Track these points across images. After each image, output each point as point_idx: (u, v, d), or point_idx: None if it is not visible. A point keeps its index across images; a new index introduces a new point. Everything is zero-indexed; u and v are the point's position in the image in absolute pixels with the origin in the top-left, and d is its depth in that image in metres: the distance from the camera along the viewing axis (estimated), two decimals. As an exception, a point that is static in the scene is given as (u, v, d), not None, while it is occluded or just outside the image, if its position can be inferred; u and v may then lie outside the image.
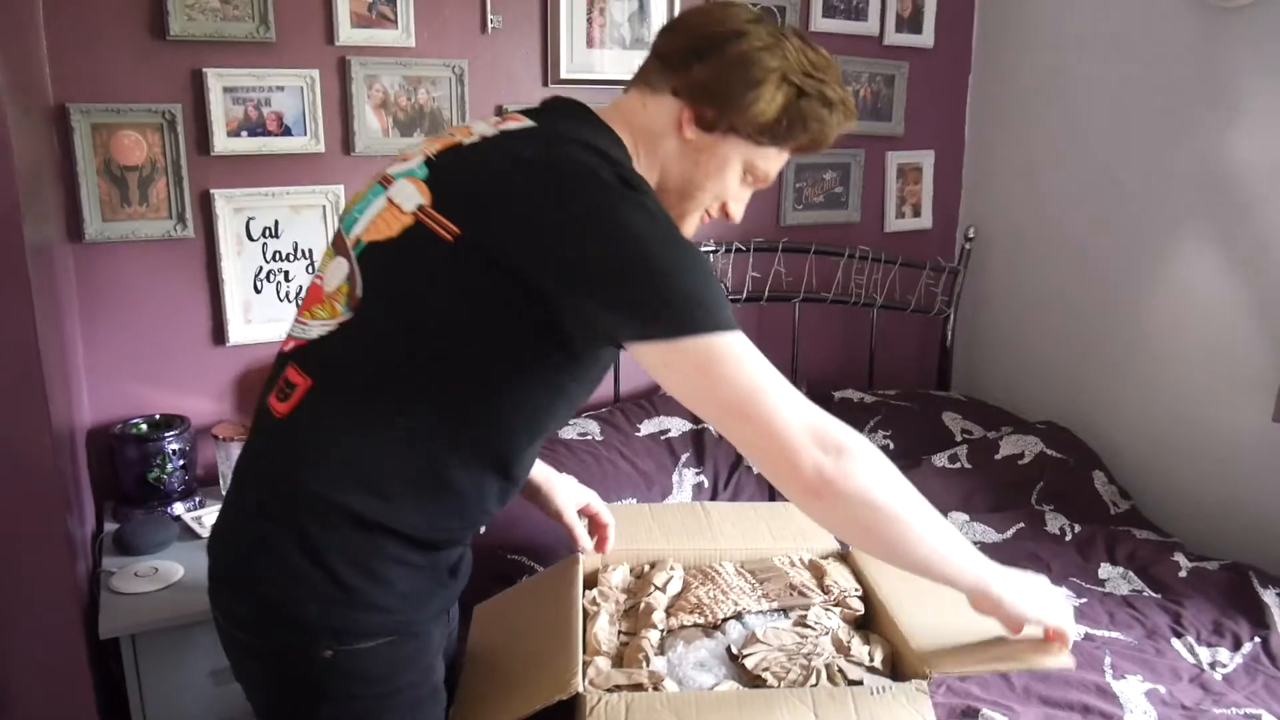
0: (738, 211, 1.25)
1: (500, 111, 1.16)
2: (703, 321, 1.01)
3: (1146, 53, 2.40)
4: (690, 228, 1.24)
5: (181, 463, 2.01)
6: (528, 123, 1.14)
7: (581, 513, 1.52)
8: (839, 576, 1.53)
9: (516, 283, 1.03)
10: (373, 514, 1.08)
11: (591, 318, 1.04)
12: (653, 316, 1.01)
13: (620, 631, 1.41)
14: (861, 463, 1.05)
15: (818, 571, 1.55)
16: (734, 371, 1.02)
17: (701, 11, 1.20)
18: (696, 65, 1.15)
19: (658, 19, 2.43)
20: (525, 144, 1.10)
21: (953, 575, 1.15)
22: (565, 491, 1.50)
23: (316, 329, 1.13)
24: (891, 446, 2.46)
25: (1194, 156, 2.31)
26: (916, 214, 2.97)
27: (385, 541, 1.10)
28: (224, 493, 2.05)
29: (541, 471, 1.49)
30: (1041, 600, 1.22)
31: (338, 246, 1.17)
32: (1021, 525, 2.21)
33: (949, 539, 1.14)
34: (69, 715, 1.59)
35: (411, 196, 1.09)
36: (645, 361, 1.05)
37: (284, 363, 1.16)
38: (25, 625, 1.51)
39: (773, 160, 1.21)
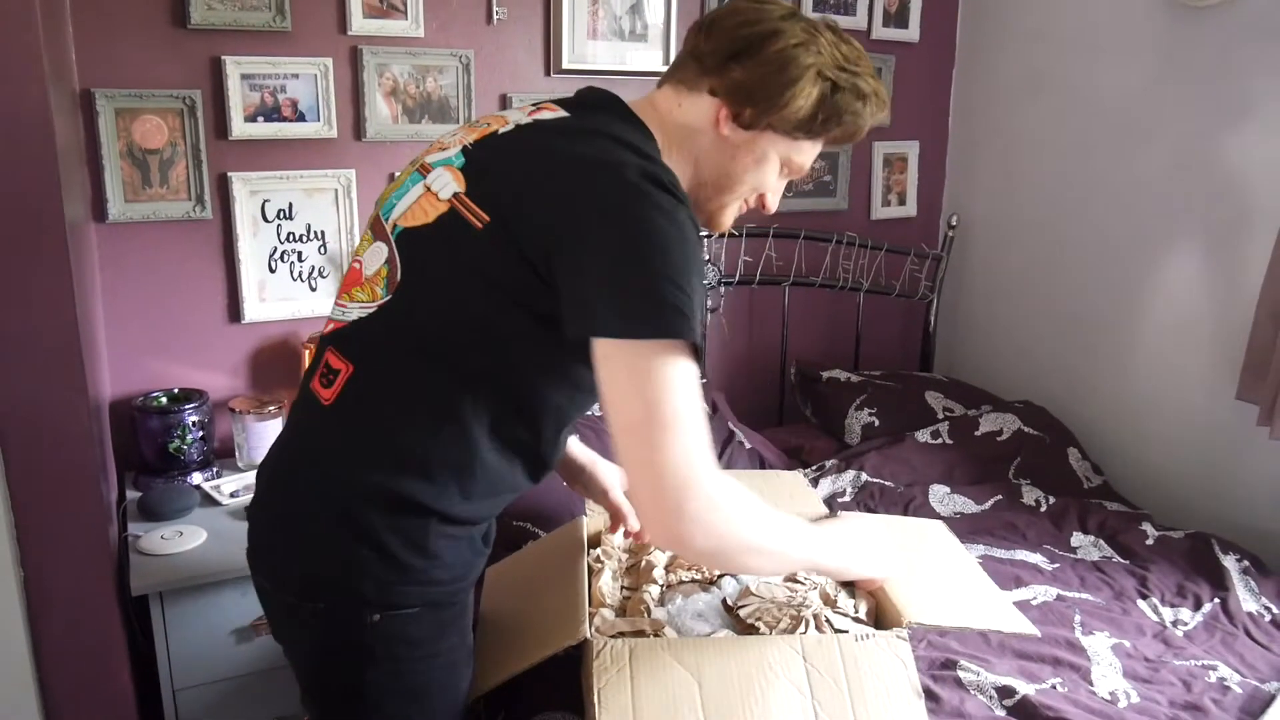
0: (774, 202, 1.27)
1: (534, 102, 1.20)
2: (670, 329, 1.00)
3: (1120, 49, 2.50)
4: (729, 217, 1.27)
5: (200, 434, 2.10)
6: (561, 113, 1.17)
7: (626, 494, 1.52)
8: None
9: (535, 272, 1.05)
10: (419, 497, 1.12)
11: (577, 303, 1.04)
12: (630, 312, 1.00)
13: (623, 586, 1.51)
14: (720, 526, 1.07)
15: None
16: (663, 393, 1.01)
17: (735, 10, 1.19)
18: (734, 66, 1.16)
19: (654, 12, 2.52)
20: (557, 135, 1.13)
21: (817, 570, 1.37)
22: (610, 473, 1.53)
23: (355, 311, 1.17)
24: (877, 424, 2.57)
25: (1165, 148, 2.41)
26: (902, 202, 3.06)
27: (431, 520, 1.15)
28: (239, 464, 2.16)
29: (585, 454, 1.53)
30: (880, 563, 1.43)
31: (376, 231, 1.20)
32: (999, 498, 2.32)
33: (805, 551, 1.25)
34: (102, 668, 1.68)
35: (448, 184, 1.13)
36: (597, 351, 1.04)
37: (324, 346, 1.20)
38: (63, 583, 1.60)
39: (807, 152, 1.23)
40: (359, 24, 2.21)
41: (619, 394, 1.03)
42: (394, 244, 1.16)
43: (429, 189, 1.15)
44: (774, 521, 1.17)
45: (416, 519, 1.14)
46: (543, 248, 1.05)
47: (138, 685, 1.81)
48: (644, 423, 1.02)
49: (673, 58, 2.53)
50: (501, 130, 1.16)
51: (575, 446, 1.54)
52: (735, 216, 1.29)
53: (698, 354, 1.04)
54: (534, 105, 1.22)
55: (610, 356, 1.03)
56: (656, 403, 1.01)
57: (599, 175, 1.06)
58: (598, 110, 1.19)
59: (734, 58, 1.16)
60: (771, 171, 1.23)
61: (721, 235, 2.65)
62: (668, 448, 1.01)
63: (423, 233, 1.13)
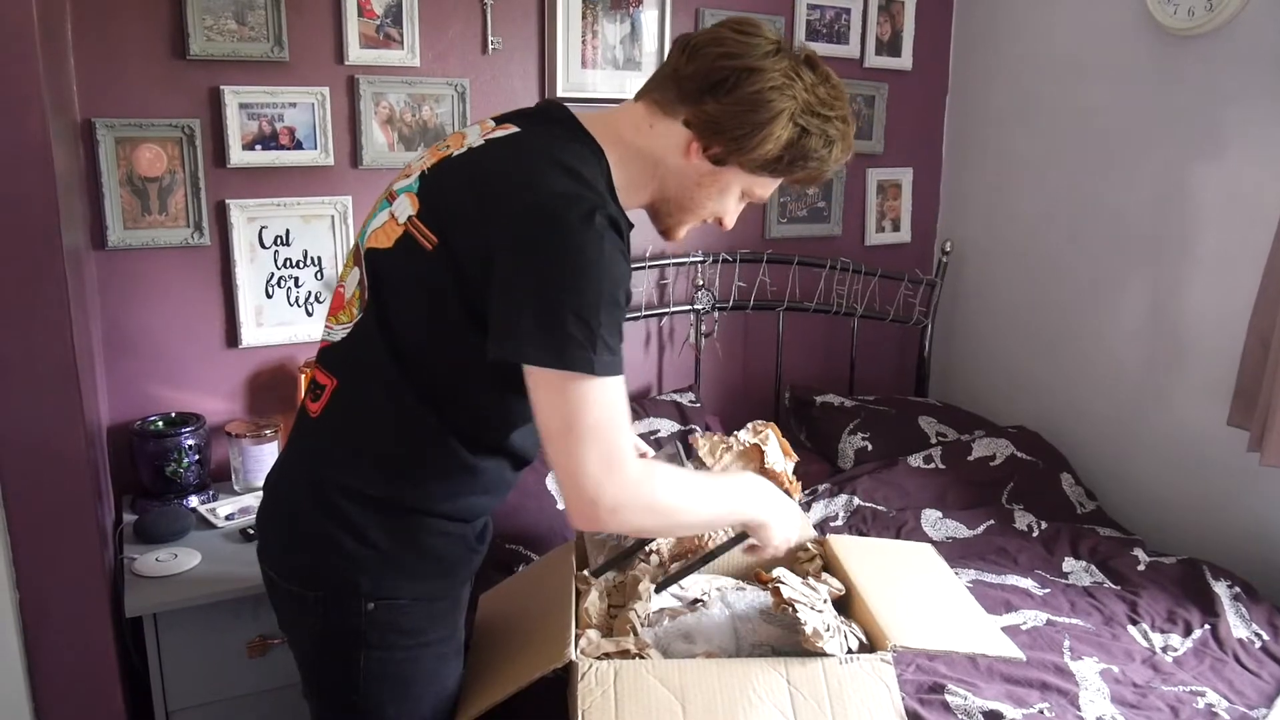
0: (730, 223, 1.34)
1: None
2: (572, 363, 1.08)
3: (1111, 76, 2.54)
4: (685, 232, 1.35)
5: (196, 458, 2.12)
6: (514, 129, 1.22)
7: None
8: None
9: (478, 291, 1.12)
10: (406, 500, 1.23)
11: (498, 327, 1.11)
12: (539, 344, 1.08)
13: (610, 605, 1.52)
14: (633, 513, 1.16)
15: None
16: (576, 412, 1.10)
17: (721, 40, 1.20)
18: (709, 100, 1.18)
19: (649, 41, 2.56)
20: (504, 159, 1.18)
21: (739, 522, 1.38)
22: None
23: (340, 332, 1.27)
24: (870, 448, 2.58)
25: (1156, 175, 2.44)
26: (896, 228, 3.09)
27: (422, 519, 1.25)
28: (236, 487, 2.18)
29: None
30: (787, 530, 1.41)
31: (355, 257, 1.29)
32: (991, 522, 2.32)
33: (714, 510, 1.31)
34: (96, 690, 1.68)
35: (405, 209, 1.21)
36: (529, 379, 1.12)
37: (315, 365, 1.31)
38: (59, 605, 1.61)
39: (769, 186, 1.30)
40: (356, 54, 2.25)
41: (541, 409, 1.12)
42: (364, 267, 1.24)
43: (392, 214, 1.23)
44: (686, 488, 1.25)
45: (404, 518, 1.23)
46: (480, 270, 1.12)
47: (132, 707, 1.82)
48: (561, 435, 1.11)
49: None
50: (455, 154, 1.22)
51: None
52: (691, 230, 1.36)
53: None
54: (495, 121, 1.27)
55: (530, 375, 1.12)
56: (572, 420, 1.10)
57: (527, 206, 1.11)
58: (551, 125, 1.23)
59: (711, 90, 1.18)
60: (733, 199, 1.29)
61: (715, 260, 2.70)
62: (585, 457, 1.11)
63: (386, 256, 1.21)
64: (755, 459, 1.70)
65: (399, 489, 1.23)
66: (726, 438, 1.73)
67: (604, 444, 1.11)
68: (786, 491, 1.61)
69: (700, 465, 1.67)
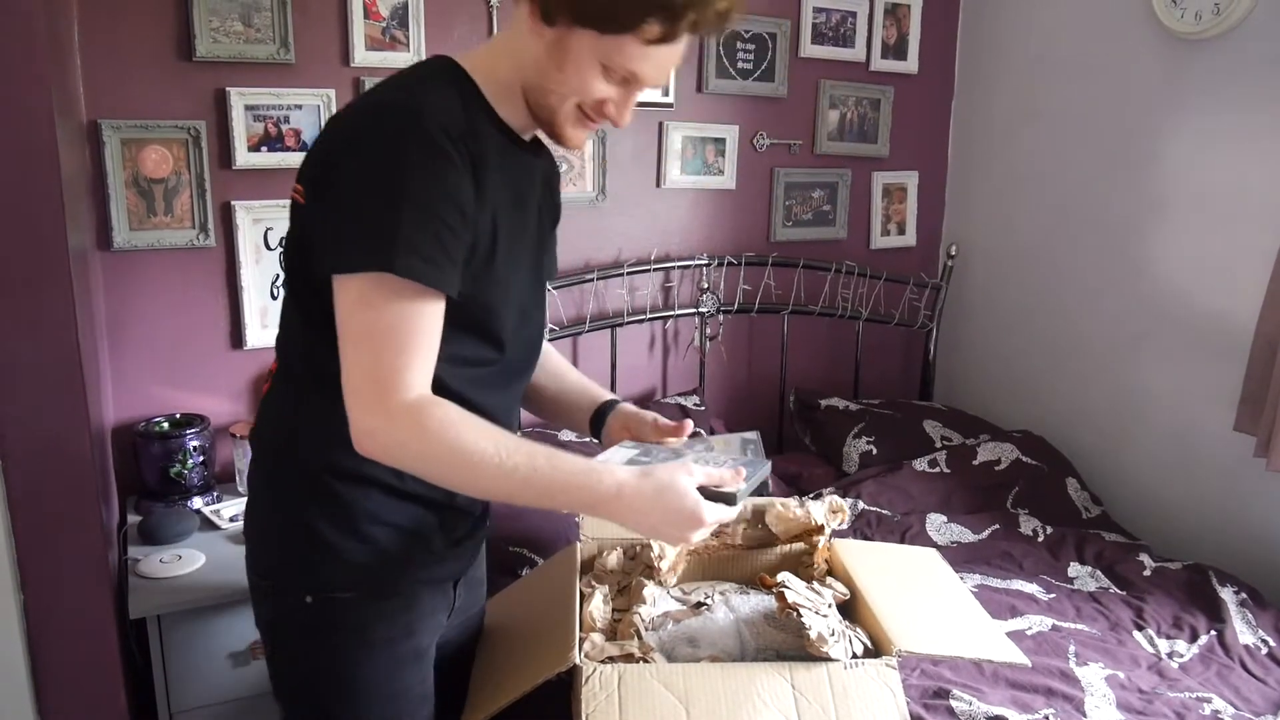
0: (617, 114, 1.17)
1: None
2: (367, 259, 1.03)
3: (1117, 80, 2.53)
4: (571, 130, 1.18)
5: (201, 459, 2.12)
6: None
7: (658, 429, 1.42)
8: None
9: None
10: (345, 465, 1.15)
11: (319, 253, 1.08)
12: (338, 250, 1.05)
13: (614, 609, 1.52)
14: (416, 429, 1.05)
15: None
16: (356, 309, 1.05)
17: None
18: None
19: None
20: (353, 102, 1.18)
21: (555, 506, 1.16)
22: (639, 413, 1.43)
23: None
24: (875, 452, 2.58)
25: (1162, 179, 2.43)
26: (901, 232, 3.09)
27: (365, 493, 1.18)
28: (240, 489, 2.19)
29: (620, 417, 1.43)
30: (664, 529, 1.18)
31: None
32: (996, 527, 2.32)
33: (531, 495, 1.10)
34: (100, 691, 1.68)
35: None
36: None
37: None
38: (63, 606, 1.61)
39: (634, 55, 1.11)
40: (361, 56, 2.25)
41: (340, 320, 1.07)
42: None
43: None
44: (485, 452, 1.07)
45: (344, 489, 1.18)
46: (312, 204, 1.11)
47: (135, 708, 1.82)
48: (340, 341, 1.07)
49: (672, 89, 2.60)
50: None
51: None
52: (581, 132, 1.19)
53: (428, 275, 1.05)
54: None
55: (338, 288, 1.07)
56: (347, 321, 1.06)
57: (334, 131, 1.12)
58: (416, 68, 1.19)
59: None
60: (592, 75, 1.12)
61: (720, 264, 2.70)
62: (351, 368, 1.06)
63: (289, 229, 1.20)
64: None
65: (336, 455, 1.13)
66: (792, 508, 1.61)
67: (378, 355, 1.05)
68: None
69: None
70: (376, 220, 1.03)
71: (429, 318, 1.07)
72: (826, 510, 1.61)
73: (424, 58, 2.22)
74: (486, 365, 1.22)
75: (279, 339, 1.24)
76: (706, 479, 1.16)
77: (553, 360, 1.50)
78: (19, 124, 1.45)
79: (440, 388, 1.12)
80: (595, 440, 1.44)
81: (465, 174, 1.08)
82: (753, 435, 1.51)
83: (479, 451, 1.06)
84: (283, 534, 1.21)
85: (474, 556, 1.39)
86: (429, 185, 1.05)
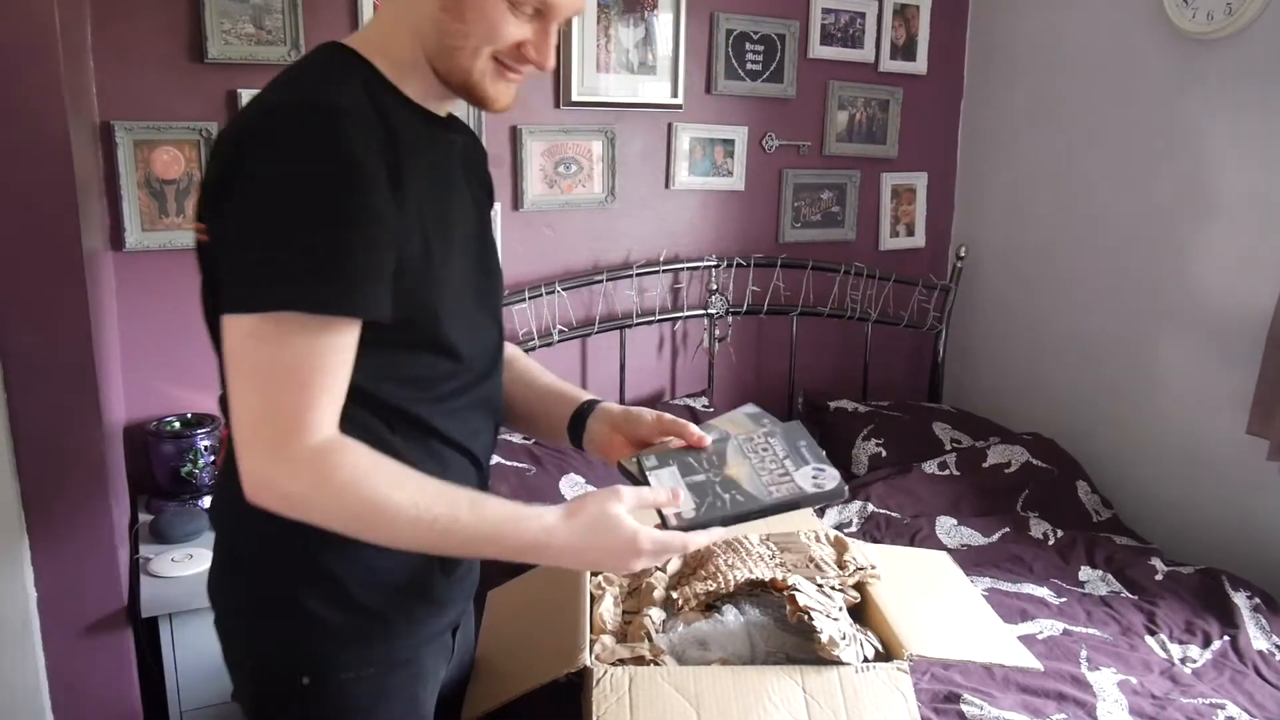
0: (538, 55, 1.06)
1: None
2: (253, 298, 0.91)
3: (1127, 80, 2.52)
4: (492, 88, 1.06)
5: (212, 458, 2.12)
6: None
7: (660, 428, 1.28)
8: (857, 553, 1.56)
9: None
10: (327, 532, 0.99)
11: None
12: (229, 293, 0.93)
13: (624, 611, 1.52)
14: (320, 478, 0.94)
15: (840, 546, 1.57)
16: (242, 350, 0.93)
17: None
18: None
19: (663, 45, 2.56)
20: (240, 113, 1.03)
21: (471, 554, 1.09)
22: (633, 412, 1.28)
23: None
24: (884, 454, 2.57)
25: (1172, 180, 2.42)
26: (910, 233, 3.08)
27: (353, 556, 1.04)
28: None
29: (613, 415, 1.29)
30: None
31: None
32: (1006, 530, 2.31)
33: (457, 545, 1.01)
34: (112, 689, 1.69)
35: None
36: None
37: None
38: (75, 604, 1.62)
39: None
40: (373, 57, 2.25)
41: (231, 355, 0.95)
42: None
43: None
44: (401, 499, 0.97)
45: (331, 564, 1.05)
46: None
47: (146, 707, 1.82)
48: (228, 383, 0.96)
49: (681, 90, 2.60)
50: None
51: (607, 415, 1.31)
52: (505, 89, 1.08)
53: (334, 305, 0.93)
54: None
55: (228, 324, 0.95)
56: (235, 361, 0.94)
57: (232, 138, 0.98)
58: (296, 65, 1.07)
59: None
60: (497, 15, 1.01)
61: (729, 265, 2.70)
62: (240, 413, 0.94)
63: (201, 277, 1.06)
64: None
65: (307, 525, 0.97)
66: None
67: (278, 394, 0.92)
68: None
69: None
70: (278, 248, 0.91)
71: (339, 350, 0.95)
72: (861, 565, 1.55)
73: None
74: (447, 380, 1.10)
75: (221, 400, 1.02)
76: (637, 500, 1.08)
77: (520, 363, 1.35)
78: (34, 125, 1.46)
79: (403, 419, 1.05)
80: (577, 448, 1.29)
81: (379, 175, 0.95)
82: (752, 409, 1.32)
83: (393, 504, 0.95)
84: (267, 611, 1.08)
85: (473, 591, 1.26)
86: (338, 197, 0.92)
